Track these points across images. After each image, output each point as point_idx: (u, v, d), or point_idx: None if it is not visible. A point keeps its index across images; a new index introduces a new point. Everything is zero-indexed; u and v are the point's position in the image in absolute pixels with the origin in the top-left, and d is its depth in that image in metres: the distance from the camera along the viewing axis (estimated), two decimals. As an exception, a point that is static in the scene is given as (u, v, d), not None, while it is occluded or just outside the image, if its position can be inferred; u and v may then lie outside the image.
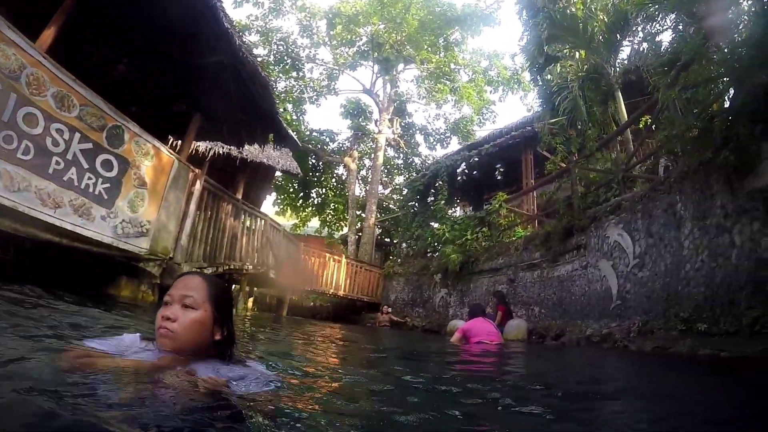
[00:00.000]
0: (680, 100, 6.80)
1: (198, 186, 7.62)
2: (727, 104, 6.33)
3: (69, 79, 5.38)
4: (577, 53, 11.51)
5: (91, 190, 5.74)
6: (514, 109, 69.47)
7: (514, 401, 2.28)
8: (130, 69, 8.26)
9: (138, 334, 1.80)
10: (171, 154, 7.14)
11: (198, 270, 6.58)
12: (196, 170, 7.68)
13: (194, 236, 7.78)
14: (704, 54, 6.26)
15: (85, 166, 5.65)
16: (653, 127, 9.11)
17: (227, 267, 8.99)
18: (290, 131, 8.93)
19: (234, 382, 1.60)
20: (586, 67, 10.57)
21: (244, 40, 6.96)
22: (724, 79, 6.34)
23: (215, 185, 8.45)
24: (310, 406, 1.81)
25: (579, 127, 10.62)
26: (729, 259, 5.19)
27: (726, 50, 6.03)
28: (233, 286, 11.43)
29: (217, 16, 6.39)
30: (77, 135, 5.50)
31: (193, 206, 7.51)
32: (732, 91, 6.22)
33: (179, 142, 9.05)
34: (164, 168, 6.95)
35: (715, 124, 5.68)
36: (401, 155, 29.60)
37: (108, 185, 5.98)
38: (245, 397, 1.55)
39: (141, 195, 6.51)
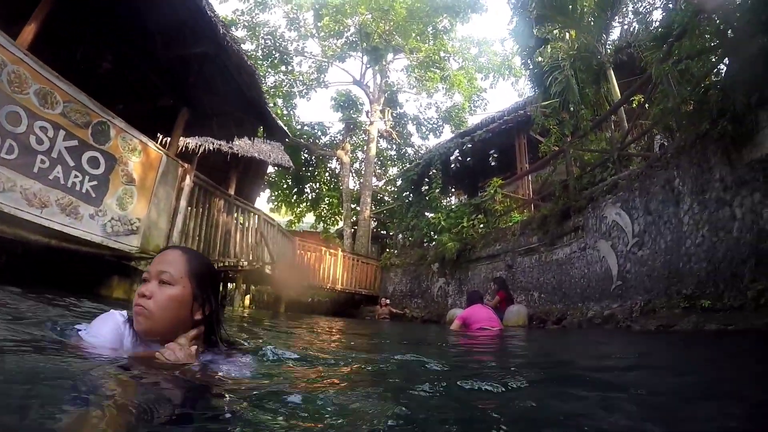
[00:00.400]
0: (673, 75, 6.71)
1: (188, 181, 7.48)
2: (721, 76, 6.25)
3: (51, 76, 5.27)
4: (567, 34, 11.39)
5: (78, 188, 5.61)
6: (505, 95, 69.64)
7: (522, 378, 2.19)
8: (115, 66, 8.10)
9: (123, 312, 1.68)
10: (159, 149, 7.00)
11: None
12: (186, 165, 7.54)
13: (186, 233, 7.65)
14: (696, 26, 6.16)
15: (71, 163, 5.53)
16: (646, 105, 9.04)
17: (222, 264, 8.88)
18: (279, 122, 8.78)
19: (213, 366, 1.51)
20: (577, 45, 10.44)
21: (229, 30, 6.79)
22: (718, 51, 6.26)
23: (206, 180, 8.32)
24: (301, 390, 1.70)
25: (572, 109, 10.51)
26: (730, 232, 5.11)
27: (718, 20, 5.94)
28: (229, 284, 11.31)
29: (199, 5, 6.24)
30: (62, 132, 5.39)
31: (183, 202, 7.38)
32: (726, 63, 6.13)
33: (169, 139, 8.91)
34: (152, 164, 6.80)
35: (711, 96, 5.60)
36: (394, 146, 29.46)
37: (95, 183, 5.85)
38: (226, 382, 1.46)
39: (130, 192, 6.37)
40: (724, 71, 6.13)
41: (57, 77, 5.33)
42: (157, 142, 7.58)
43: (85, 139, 5.74)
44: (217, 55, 7.01)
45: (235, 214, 9.85)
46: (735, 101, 4.98)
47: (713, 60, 6.43)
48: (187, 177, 7.49)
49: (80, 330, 1.66)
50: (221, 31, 6.46)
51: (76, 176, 5.59)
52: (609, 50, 10.39)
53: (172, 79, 7.95)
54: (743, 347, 3.74)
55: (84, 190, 5.70)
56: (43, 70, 5.15)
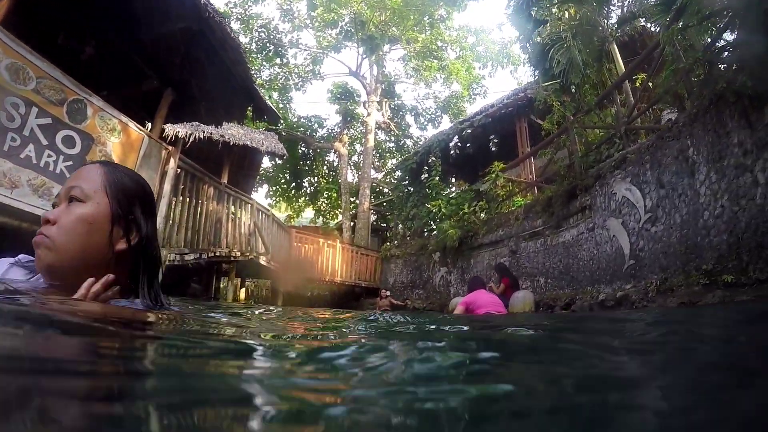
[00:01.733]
0: (681, 42, 6.32)
1: (172, 164, 7.08)
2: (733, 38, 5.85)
3: (24, 50, 4.99)
4: (566, 13, 10.96)
5: (51, 168, 5.30)
6: (504, 85, 69.11)
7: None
8: (98, 51, 7.74)
9: (20, 257, 1.27)
10: (140, 129, 6.62)
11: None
12: (170, 147, 7.13)
13: (172, 220, 7.26)
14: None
15: (44, 142, 5.23)
16: (650, 84, 8.64)
17: (212, 254, 8.48)
18: (268, 102, 8.39)
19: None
20: (579, 16, 10.00)
21: (211, 3, 6.39)
22: (727, 12, 5.86)
23: (193, 166, 7.92)
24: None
25: (573, 90, 10.08)
26: (753, 200, 4.73)
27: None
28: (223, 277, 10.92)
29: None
30: (34, 109, 5.11)
31: (168, 186, 6.99)
32: (737, 23, 5.73)
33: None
34: (133, 145, 6.43)
35: (724, 58, 5.23)
36: (392, 138, 29.02)
37: (70, 163, 5.51)
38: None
39: (108, 174, 6.00)
40: (737, 31, 5.71)
41: (30, 52, 5.06)
42: (147, 129, 7.24)
43: (60, 117, 5.44)
44: (200, 30, 6.64)
45: (227, 203, 9.45)
46: (752, 57, 4.60)
47: (722, 25, 6.01)
48: (171, 160, 7.09)
49: None
50: (202, 2, 6.08)
51: (49, 156, 5.28)
52: (611, 24, 9.94)
53: (157, 61, 7.59)
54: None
55: (58, 171, 5.37)
56: (14, 44, 4.88)
